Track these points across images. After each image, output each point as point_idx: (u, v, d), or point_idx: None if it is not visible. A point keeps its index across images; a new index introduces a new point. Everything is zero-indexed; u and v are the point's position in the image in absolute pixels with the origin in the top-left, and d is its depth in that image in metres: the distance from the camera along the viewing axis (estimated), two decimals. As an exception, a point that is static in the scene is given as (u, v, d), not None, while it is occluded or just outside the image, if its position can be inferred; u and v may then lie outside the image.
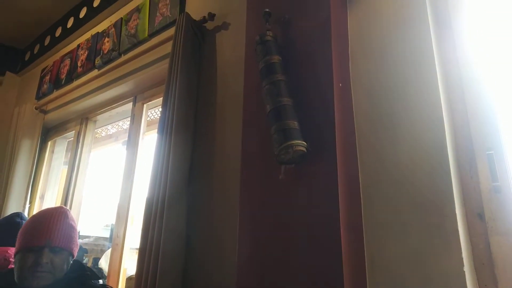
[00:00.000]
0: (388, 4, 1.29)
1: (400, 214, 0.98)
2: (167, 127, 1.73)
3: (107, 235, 3.43)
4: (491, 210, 0.94)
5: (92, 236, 3.46)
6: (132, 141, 2.38)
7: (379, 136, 1.11)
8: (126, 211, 2.20)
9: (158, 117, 2.58)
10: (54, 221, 1.37)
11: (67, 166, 2.92)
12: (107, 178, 3.04)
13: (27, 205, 2.94)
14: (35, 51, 3.59)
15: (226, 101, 1.71)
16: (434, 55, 1.15)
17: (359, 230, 1.01)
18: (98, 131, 3.54)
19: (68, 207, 2.70)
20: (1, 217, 2.75)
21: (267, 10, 1.39)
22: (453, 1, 1.28)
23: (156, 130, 2.14)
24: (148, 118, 2.60)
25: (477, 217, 0.95)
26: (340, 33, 1.29)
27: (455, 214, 0.89)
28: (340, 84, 1.20)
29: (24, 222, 1.78)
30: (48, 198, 3.16)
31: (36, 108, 3.12)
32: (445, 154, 0.97)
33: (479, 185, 0.97)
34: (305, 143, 1.12)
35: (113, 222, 2.34)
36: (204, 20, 1.89)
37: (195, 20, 1.91)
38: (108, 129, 3.79)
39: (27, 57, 3.73)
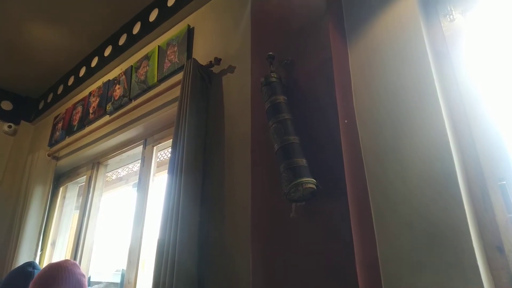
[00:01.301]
0: (387, 41, 1.34)
1: (416, 250, 0.96)
2: (177, 168, 1.75)
3: (118, 280, 3.37)
4: (510, 242, 0.92)
5: (103, 282, 3.39)
6: (143, 183, 2.40)
7: (388, 171, 1.11)
8: (137, 255, 2.18)
9: (168, 158, 2.62)
10: (63, 274, 1.37)
11: (78, 211, 2.93)
12: (118, 221, 3.03)
13: (39, 252, 2.93)
14: (49, 99, 3.74)
15: (234, 141, 1.74)
16: (436, 87, 1.18)
17: (375, 267, 0.99)
18: (108, 174, 3.59)
19: (79, 253, 2.68)
20: (14, 265, 2.73)
21: (271, 53, 1.45)
22: (450, 33, 1.32)
23: (166, 171, 2.18)
24: (158, 160, 2.63)
25: (496, 251, 0.93)
26: (342, 71, 1.34)
27: (473, 248, 0.87)
28: (346, 121, 1.22)
29: (36, 271, 1.77)
30: (59, 244, 3.15)
31: (48, 155, 3.19)
32: (456, 187, 0.96)
33: (495, 217, 0.95)
34: (315, 180, 1.12)
35: (124, 267, 2.31)
36: (210, 64, 1.97)
37: (202, 65, 2.00)
38: (118, 172, 3.83)
39: (41, 105, 3.88)
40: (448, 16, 1.33)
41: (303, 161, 1.15)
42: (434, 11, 1.36)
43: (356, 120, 1.28)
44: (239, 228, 1.52)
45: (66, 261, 1.47)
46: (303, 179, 1.10)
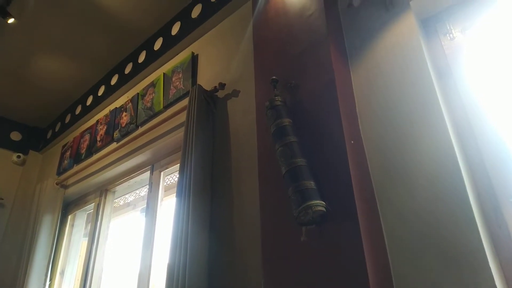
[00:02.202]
0: (388, 60, 1.36)
1: (432, 270, 0.94)
2: (185, 192, 1.75)
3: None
4: (527, 259, 0.90)
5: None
6: (151, 208, 2.40)
7: (397, 190, 1.11)
8: (147, 281, 2.15)
9: (175, 182, 2.63)
10: None
11: (86, 239, 2.92)
12: (126, 247, 3.01)
13: (48, 282, 2.90)
14: (57, 129, 3.80)
15: (241, 164, 1.75)
16: (440, 103, 1.19)
17: (391, 290, 0.97)
18: (116, 200, 3.59)
19: (88, 282, 2.65)
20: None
21: (274, 77, 1.48)
22: (450, 50, 1.34)
23: (174, 194, 2.17)
24: (166, 183, 2.64)
25: (513, 268, 0.91)
26: (346, 92, 1.35)
27: (489, 268, 0.85)
28: (352, 141, 1.23)
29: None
30: (68, 273, 3.12)
31: (57, 184, 3.21)
32: (467, 204, 0.95)
33: (510, 234, 0.94)
34: (324, 203, 1.12)
35: (134, 294, 2.28)
36: (215, 89, 2.01)
37: (207, 90, 2.03)
38: (126, 197, 3.84)
39: (49, 135, 3.93)
40: (448, 34, 1.35)
41: (311, 184, 1.15)
42: (434, 30, 1.38)
43: (362, 139, 1.28)
44: (249, 252, 1.51)
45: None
46: (312, 202, 1.10)
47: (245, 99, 1.89)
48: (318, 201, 1.10)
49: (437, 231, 0.98)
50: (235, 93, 1.98)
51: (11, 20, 2.59)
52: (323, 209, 1.11)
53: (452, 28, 1.36)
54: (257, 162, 1.51)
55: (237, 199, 1.69)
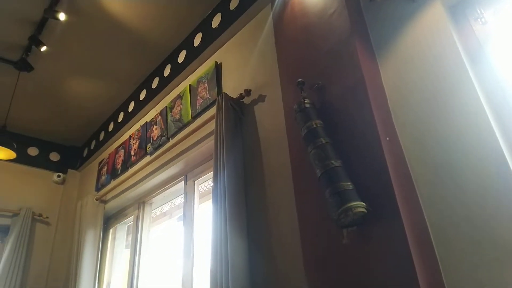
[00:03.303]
0: (418, 52, 1.33)
1: (484, 268, 0.90)
2: (220, 199, 1.78)
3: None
4: None
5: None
6: (188, 218, 2.45)
7: (441, 186, 1.07)
8: (191, 287, 2.19)
9: (208, 188, 2.67)
10: None
11: (128, 249, 3.02)
12: (167, 255, 3.08)
13: (96, 295, 3.02)
14: (92, 147, 3.96)
15: (273, 168, 1.75)
16: (478, 92, 1.14)
17: (442, 290, 0.94)
18: (153, 211, 3.69)
19: (133, 293, 2.74)
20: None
21: (301, 80, 1.47)
22: (483, 35, 1.28)
23: (209, 200, 2.18)
24: (200, 191, 2.68)
25: None
26: (376, 89, 1.33)
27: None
28: (388, 138, 1.20)
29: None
30: (114, 285, 3.24)
31: (96, 199, 3.34)
32: (518, 196, 0.91)
33: None
34: (364, 204, 1.10)
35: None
36: (241, 96, 2.03)
37: (233, 97, 2.05)
38: (162, 207, 3.94)
39: (85, 153, 4.11)
40: (479, 19, 1.30)
41: (348, 185, 1.14)
42: (463, 16, 1.33)
43: (398, 136, 1.25)
44: (289, 256, 1.51)
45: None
46: (352, 204, 1.08)
47: (272, 103, 1.89)
48: (358, 202, 1.09)
49: (486, 229, 0.94)
50: (262, 98, 1.98)
51: (43, 48, 2.73)
52: (364, 210, 1.09)
53: (483, 11, 1.30)
54: (290, 166, 1.51)
55: (272, 203, 1.69)
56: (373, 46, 1.48)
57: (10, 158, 2.96)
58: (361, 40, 1.42)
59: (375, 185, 1.14)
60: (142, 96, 3.19)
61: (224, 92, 2.06)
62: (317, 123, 1.32)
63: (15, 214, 3.59)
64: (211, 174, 2.44)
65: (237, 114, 2.04)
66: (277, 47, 1.85)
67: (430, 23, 1.32)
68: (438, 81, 1.24)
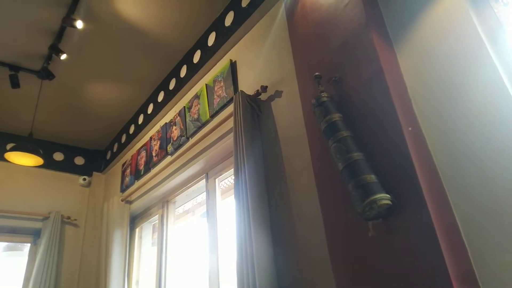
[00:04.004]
0: (437, 39, 1.30)
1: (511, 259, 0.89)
2: (243, 197, 1.80)
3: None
4: None
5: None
6: (211, 215, 2.49)
7: (467, 175, 1.05)
8: (217, 281, 2.23)
9: (230, 184, 2.70)
10: None
11: (154, 247, 3.09)
12: (192, 251, 3.15)
13: (126, 293, 3.12)
14: (115, 149, 4.06)
15: (294, 164, 1.76)
16: (502, 76, 1.11)
17: (473, 280, 0.93)
18: (176, 209, 3.76)
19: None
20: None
21: (318, 73, 1.47)
22: (506, 17, 1.24)
23: (230, 196, 2.19)
24: (222, 187, 2.71)
25: None
26: (395, 79, 1.31)
27: None
28: (410, 128, 1.19)
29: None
30: (143, 282, 3.33)
31: (122, 200, 3.44)
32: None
33: None
34: (389, 196, 1.09)
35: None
36: (258, 93, 2.03)
37: (249, 95, 2.06)
38: (184, 206, 4.02)
39: (108, 156, 4.22)
40: (500, 0, 1.25)
41: (372, 177, 1.13)
42: (483, -2, 1.29)
43: (420, 125, 1.24)
44: (314, 250, 1.51)
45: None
46: (377, 196, 1.08)
47: (289, 99, 1.89)
48: (382, 195, 1.08)
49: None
50: (278, 94, 1.99)
51: (63, 56, 2.81)
52: (389, 202, 1.09)
53: (504, -8, 1.26)
54: (311, 160, 1.51)
55: (294, 197, 1.70)
56: (390, 35, 1.46)
57: (38, 164, 3.08)
58: (377, 30, 1.40)
59: (399, 177, 1.13)
60: (160, 97, 3.24)
61: (240, 90, 2.07)
62: (336, 116, 1.32)
63: (45, 218, 3.73)
64: (231, 171, 2.48)
65: (254, 111, 2.05)
66: (292, 41, 1.85)
67: (448, 7, 1.29)
68: (458, 66, 1.21)
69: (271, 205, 1.79)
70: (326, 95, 1.39)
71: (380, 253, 1.13)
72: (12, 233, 3.71)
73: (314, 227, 1.52)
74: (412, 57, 1.36)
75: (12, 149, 2.83)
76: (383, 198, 1.08)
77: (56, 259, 3.56)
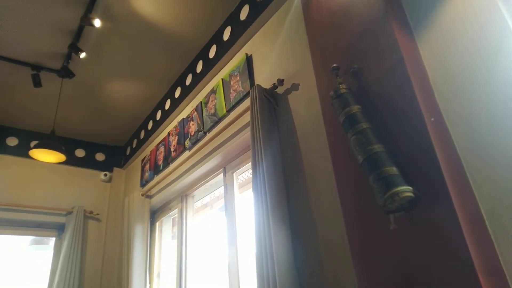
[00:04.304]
0: (460, 26, 1.26)
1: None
2: (261, 191, 1.80)
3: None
4: None
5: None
6: (229, 208, 2.50)
7: (492, 165, 1.02)
8: (237, 273, 2.26)
9: (248, 177, 2.71)
10: None
11: (174, 240, 3.14)
12: (211, 243, 3.19)
13: (148, 285, 3.19)
14: (134, 145, 4.13)
15: (312, 156, 1.75)
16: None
17: (500, 274, 0.90)
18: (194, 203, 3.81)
19: (183, 281, 2.86)
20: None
21: (335, 65, 1.44)
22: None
23: (248, 189, 2.20)
24: (240, 181, 2.72)
25: None
26: (416, 68, 1.28)
27: None
28: (432, 119, 1.16)
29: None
30: (164, 275, 3.40)
31: (142, 195, 3.50)
32: None
33: None
34: (411, 188, 1.07)
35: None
36: (274, 87, 2.02)
37: (266, 88, 2.05)
38: (202, 200, 4.06)
39: (128, 151, 4.30)
40: (527, -17, 1.20)
41: (393, 169, 1.11)
42: (509, -19, 1.24)
43: (442, 116, 1.20)
44: (333, 242, 1.51)
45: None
46: (398, 189, 1.06)
47: (306, 91, 1.87)
48: (404, 187, 1.06)
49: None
50: (295, 87, 1.97)
51: (82, 55, 2.86)
52: (411, 194, 1.07)
53: (532, -26, 1.21)
54: (330, 153, 1.49)
55: (313, 190, 1.69)
56: (410, 22, 1.42)
57: (61, 161, 3.16)
58: (397, 18, 1.36)
59: (421, 168, 1.10)
60: (177, 93, 3.27)
61: (257, 84, 2.07)
62: (355, 108, 1.30)
63: (69, 213, 3.84)
64: (249, 165, 2.48)
65: (271, 104, 2.05)
66: (308, 33, 1.82)
67: (472, -7, 1.24)
68: (483, 54, 1.17)
69: (289, 199, 1.79)
70: (344, 87, 1.37)
71: (402, 246, 1.11)
72: (38, 228, 3.85)
73: (333, 220, 1.52)
74: (434, 45, 1.32)
75: (36, 147, 2.92)
76: (405, 190, 1.06)
77: (80, 252, 3.67)
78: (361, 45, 1.43)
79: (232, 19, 2.60)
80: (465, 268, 0.92)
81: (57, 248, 3.83)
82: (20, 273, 4.37)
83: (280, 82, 2.01)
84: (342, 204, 1.35)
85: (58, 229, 3.90)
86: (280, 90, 2.06)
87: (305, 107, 1.86)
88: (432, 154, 1.09)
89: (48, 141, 2.98)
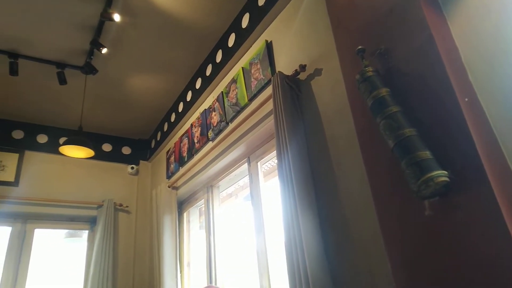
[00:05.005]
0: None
1: None
2: (287, 179, 1.79)
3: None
4: None
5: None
6: (255, 198, 2.51)
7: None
8: (266, 263, 2.27)
9: (272, 166, 2.71)
10: None
11: (201, 230, 3.19)
12: (238, 232, 3.23)
13: (179, 274, 3.27)
14: (158, 138, 4.20)
15: (338, 143, 1.71)
16: None
17: (547, 259, 0.85)
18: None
19: (213, 270, 2.91)
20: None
21: (361, 47, 1.39)
22: None
23: (273, 178, 2.18)
24: (264, 169, 2.72)
25: None
26: (447, 47, 1.21)
27: None
28: (466, 99, 1.10)
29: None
30: (194, 264, 3.48)
31: (168, 187, 3.56)
32: None
33: None
34: (446, 172, 1.03)
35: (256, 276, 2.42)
36: (296, 73, 1.98)
37: (287, 75, 2.02)
38: (227, 189, 4.10)
39: (153, 144, 4.37)
40: None
41: (426, 154, 1.07)
42: None
43: (477, 95, 1.14)
44: (364, 229, 1.48)
45: (209, 287, 1.60)
46: (433, 173, 1.02)
47: (330, 76, 1.83)
48: (439, 171, 1.02)
49: None
50: (318, 72, 1.93)
51: (104, 50, 2.90)
52: (447, 179, 1.02)
53: None
54: (357, 139, 1.45)
55: (341, 178, 1.66)
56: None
57: (89, 156, 3.25)
58: (425, -6, 1.29)
59: (457, 151, 1.05)
60: (198, 84, 3.27)
61: (278, 71, 2.03)
62: (384, 91, 1.25)
63: (100, 206, 3.97)
64: (273, 154, 2.47)
65: (293, 91, 2.01)
66: (330, 14, 1.76)
67: (508, -39, 1.15)
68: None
69: (316, 186, 1.77)
70: (371, 69, 1.32)
71: (438, 232, 1.07)
72: (71, 221, 4.00)
73: (363, 207, 1.49)
74: (465, 20, 1.25)
75: (65, 143, 3.01)
76: (440, 175, 1.02)
77: (112, 243, 3.80)
78: (387, 25, 1.37)
79: (250, 5, 2.56)
80: (506, 256, 0.87)
81: (90, 240, 3.99)
82: (57, 265, 4.58)
83: (302, 67, 1.97)
84: (372, 191, 1.32)
85: (91, 222, 4.04)
86: (302, 76, 2.02)
87: (330, 92, 1.81)
88: (468, 136, 1.04)
89: (77, 137, 3.06)
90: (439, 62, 1.15)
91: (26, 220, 3.77)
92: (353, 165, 1.59)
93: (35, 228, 3.80)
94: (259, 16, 2.41)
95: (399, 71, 1.28)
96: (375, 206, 1.31)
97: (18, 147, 3.86)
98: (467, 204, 1.00)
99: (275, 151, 2.07)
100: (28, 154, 3.90)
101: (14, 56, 2.98)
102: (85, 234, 4.15)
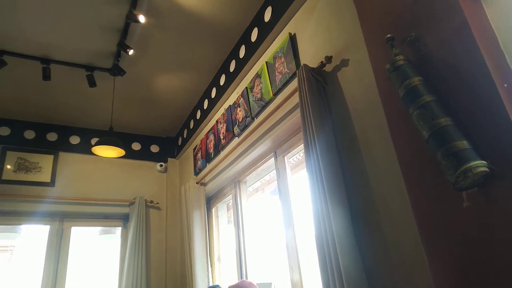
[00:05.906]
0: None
1: None
2: (316, 173, 1.77)
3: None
4: None
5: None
6: (283, 192, 2.51)
7: None
8: (296, 257, 2.27)
9: (298, 159, 2.69)
10: None
11: (229, 225, 3.23)
12: (267, 226, 3.25)
13: (209, 268, 3.33)
14: (185, 135, 4.27)
15: (368, 134, 1.68)
16: None
17: None
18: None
19: (243, 264, 2.94)
20: (194, 282, 3.17)
21: (390, 35, 1.35)
22: None
23: (300, 171, 2.15)
24: (291, 163, 2.71)
25: None
26: (483, 31, 1.16)
27: None
28: (505, 85, 1.05)
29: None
30: (224, 259, 3.53)
31: (197, 183, 3.62)
32: None
33: None
34: (485, 162, 0.99)
35: (286, 270, 2.43)
36: (322, 65, 1.95)
37: (313, 67, 1.99)
38: (254, 184, 4.12)
39: (179, 142, 4.45)
40: None
41: (464, 143, 1.03)
42: None
43: (517, 80, 1.09)
44: (397, 222, 1.45)
45: (243, 281, 1.63)
46: (471, 164, 0.98)
47: (357, 67, 1.79)
48: (478, 161, 0.98)
49: None
50: (344, 63, 1.89)
51: (131, 52, 2.97)
52: (486, 169, 0.98)
53: None
54: (389, 131, 1.42)
55: (372, 170, 1.63)
56: (473, -20, 1.28)
57: (120, 155, 3.35)
58: (457, -23, 1.23)
59: (496, 140, 1.01)
60: (222, 81, 3.29)
61: (303, 64, 2.01)
62: (416, 80, 1.21)
63: (131, 203, 4.09)
64: (299, 148, 2.45)
65: (320, 84, 1.98)
66: (356, 3, 1.72)
67: None
68: None
69: (346, 180, 1.75)
70: (402, 58, 1.28)
71: (477, 224, 1.04)
72: (105, 219, 4.15)
73: (397, 200, 1.46)
74: (502, 5, 1.19)
75: (97, 144, 3.11)
76: (479, 165, 0.98)
77: (145, 239, 3.92)
78: (418, 11, 1.32)
79: (272, -1, 2.53)
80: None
81: (124, 236, 4.12)
82: (93, 260, 4.78)
83: (328, 59, 1.94)
84: (406, 183, 1.29)
85: (123, 219, 4.18)
86: (328, 68, 1.99)
87: (358, 83, 1.78)
88: (508, 123, 0.99)
89: (108, 138, 3.16)
90: (474, 47, 1.10)
91: (63, 218, 3.94)
92: (384, 157, 1.55)
93: (71, 226, 3.97)
94: (282, 8, 2.38)
95: (432, 58, 1.24)
96: (409, 199, 1.27)
97: (53, 149, 4.04)
98: (508, 195, 0.96)
99: (301, 144, 2.05)
100: (62, 155, 4.07)
101: (46, 61, 3.10)
102: (118, 230, 4.30)
